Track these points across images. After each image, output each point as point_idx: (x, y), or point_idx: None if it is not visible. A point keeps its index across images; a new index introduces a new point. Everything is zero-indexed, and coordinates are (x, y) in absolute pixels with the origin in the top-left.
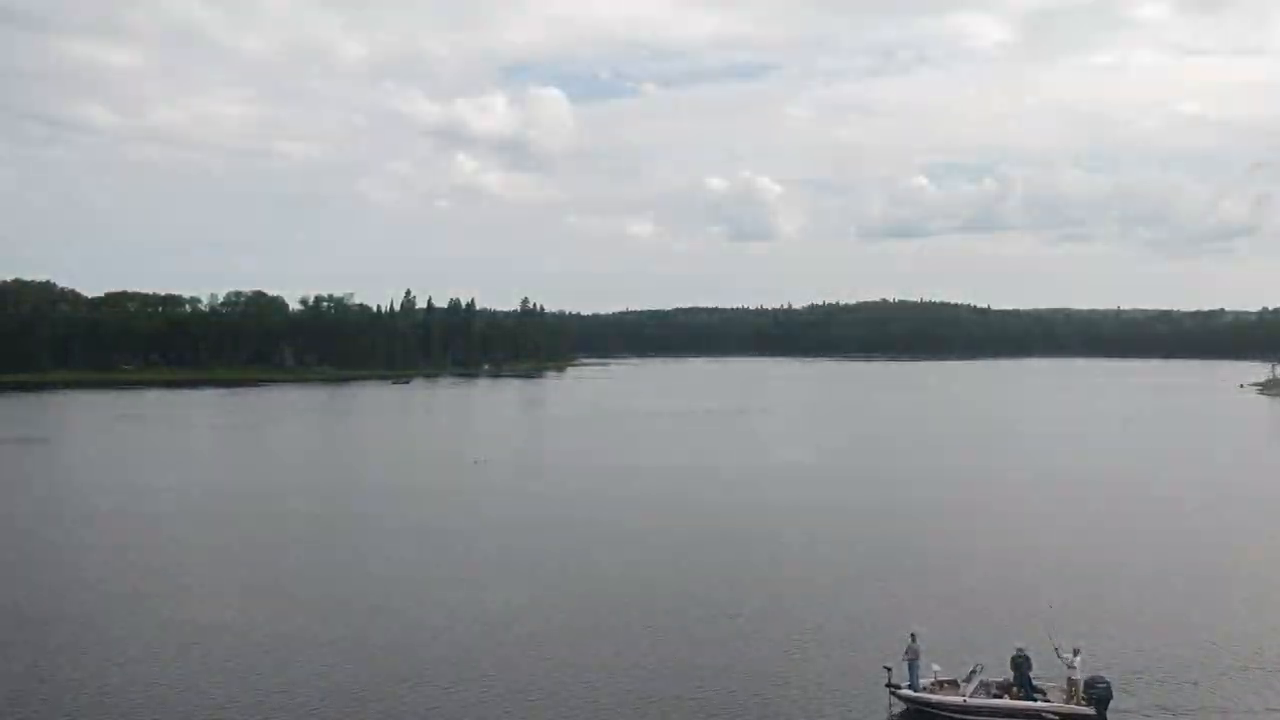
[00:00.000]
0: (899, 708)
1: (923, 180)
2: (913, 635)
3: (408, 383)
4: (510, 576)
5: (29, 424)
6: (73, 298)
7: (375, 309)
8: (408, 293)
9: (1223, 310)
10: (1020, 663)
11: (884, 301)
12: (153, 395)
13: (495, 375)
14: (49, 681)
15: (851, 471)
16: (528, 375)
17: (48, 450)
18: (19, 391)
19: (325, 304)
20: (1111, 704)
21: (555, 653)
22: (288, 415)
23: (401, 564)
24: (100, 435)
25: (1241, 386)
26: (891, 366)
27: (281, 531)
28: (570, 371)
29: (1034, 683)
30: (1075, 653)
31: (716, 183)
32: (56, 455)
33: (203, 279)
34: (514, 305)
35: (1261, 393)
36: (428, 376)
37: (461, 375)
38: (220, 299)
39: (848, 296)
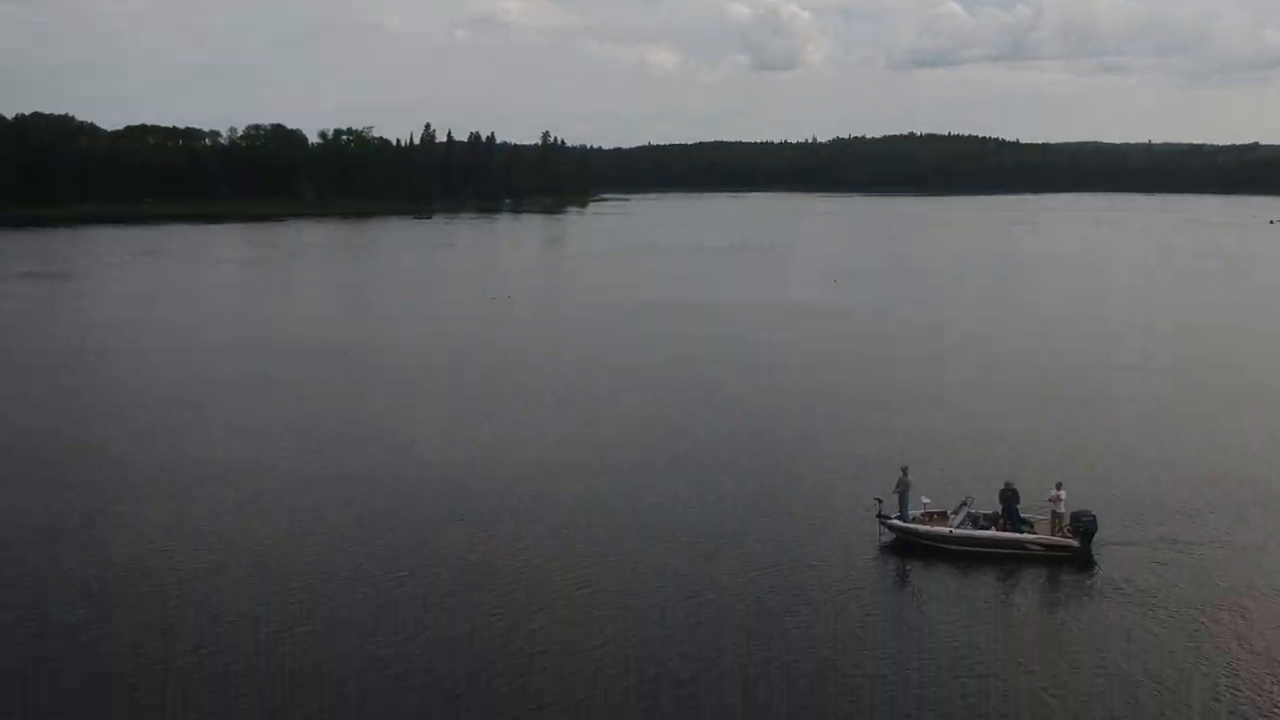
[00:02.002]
0: (888, 537)
1: (955, 6)
2: (904, 469)
3: (428, 218)
4: (531, 411)
5: (50, 259)
6: (91, 131)
7: (395, 143)
8: (427, 126)
9: (1256, 144)
10: (1008, 495)
11: (911, 135)
12: (172, 230)
13: (516, 211)
14: (73, 511)
15: (863, 310)
16: (549, 211)
17: (69, 286)
18: (39, 226)
19: (344, 137)
20: (1097, 537)
21: (573, 486)
22: (308, 251)
23: (425, 398)
24: (121, 271)
25: (1272, 223)
26: (917, 203)
27: (304, 366)
28: (591, 208)
29: (1021, 515)
30: (1058, 486)
31: (740, 8)
32: (78, 290)
33: (221, 115)
34: (535, 139)
35: None
36: (448, 212)
37: (482, 211)
38: (240, 133)
39: (874, 130)
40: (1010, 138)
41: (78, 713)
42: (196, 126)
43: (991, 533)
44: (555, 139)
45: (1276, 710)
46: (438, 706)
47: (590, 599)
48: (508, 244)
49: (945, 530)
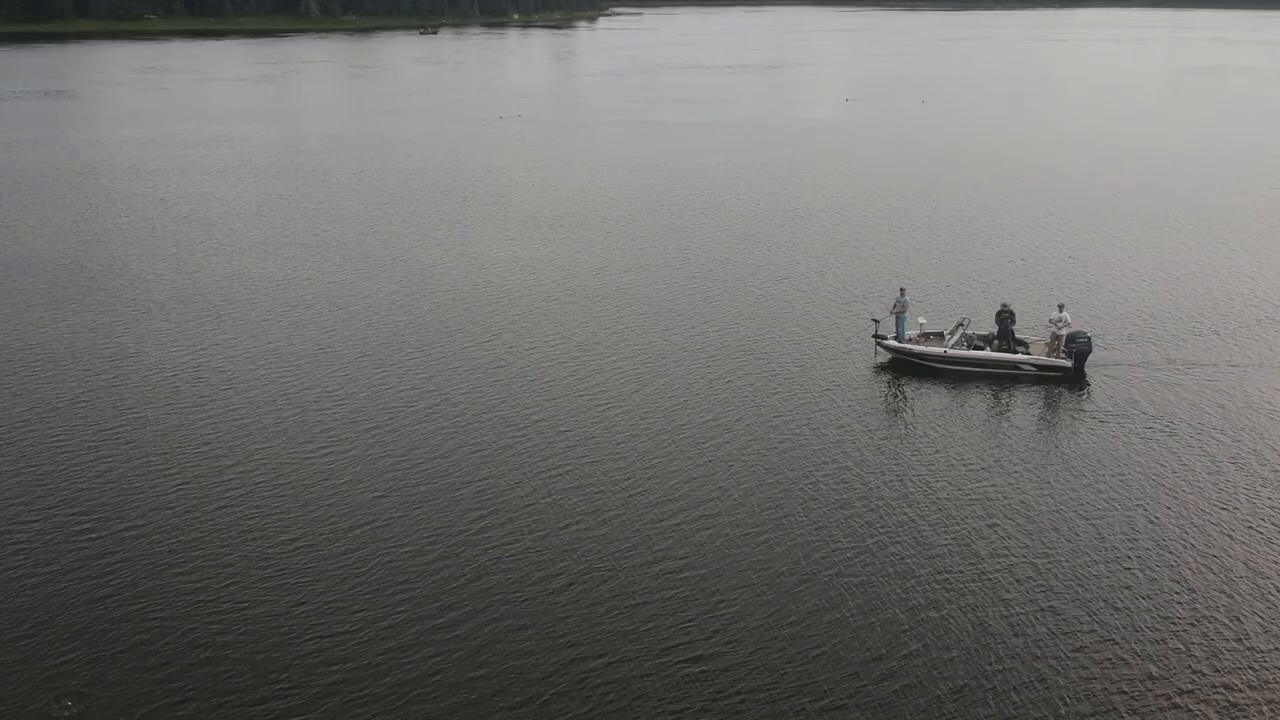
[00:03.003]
0: (883, 357)
1: None
2: (901, 290)
3: (435, 33)
4: (537, 233)
5: (52, 76)
6: None
7: None
8: None
9: None
10: (1004, 317)
11: None
12: (176, 46)
13: (525, 25)
14: (95, 330)
15: (871, 129)
16: (558, 25)
17: (73, 104)
18: (41, 42)
19: None
20: (1092, 358)
21: (574, 307)
22: (314, 68)
23: (438, 218)
24: (124, 88)
25: None
26: (939, 17)
27: (315, 185)
28: (602, 22)
29: (1017, 336)
30: (1060, 308)
31: None
32: (82, 109)
33: None
34: None
35: None
36: (455, 27)
37: (490, 25)
38: None
39: None
40: None
41: (98, 518)
42: None
43: (985, 353)
44: None
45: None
46: (454, 492)
47: (592, 416)
48: (516, 60)
49: (939, 350)
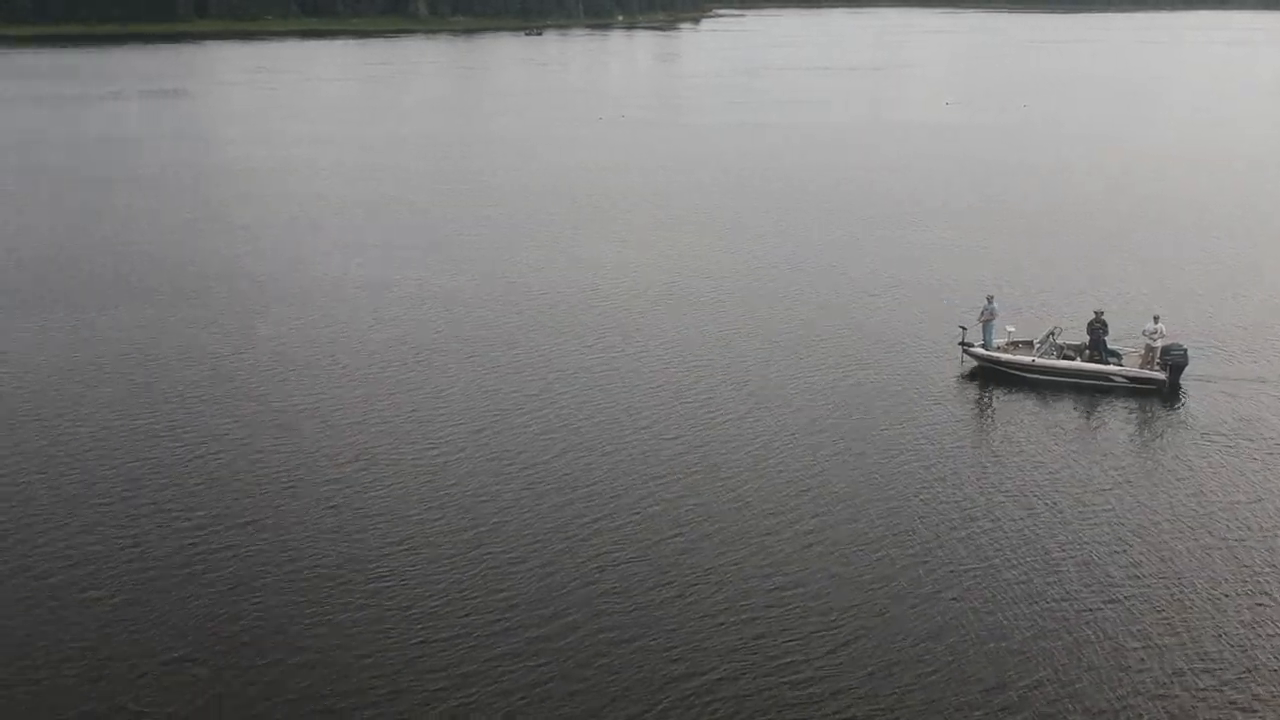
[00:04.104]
0: (970, 364)
1: None
2: (989, 298)
3: (540, 34)
4: (638, 233)
5: (171, 76)
6: None
7: None
8: None
9: None
10: (1096, 326)
11: None
12: (289, 47)
13: (629, 26)
14: (207, 324)
15: (971, 131)
16: (662, 27)
17: (188, 104)
18: (161, 42)
19: None
20: (1187, 371)
21: (668, 308)
22: (420, 69)
23: (541, 219)
24: (237, 88)
25: None
26: (1047, 20)
27: (418, 186)
28: (705, 23)
29: (1110, 347)
30: (1155, 319)
31: None
32: (197, 109)
33: None
34: None
35: None
36: (560, 28)
37: (595, 26)
38: None
39: None
40: None
41: (206, 514)
42: None
43: (1075, 363)
44: None
45: None
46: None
47: (689, 420)
48: (619, 61)
49: (1028, 359)
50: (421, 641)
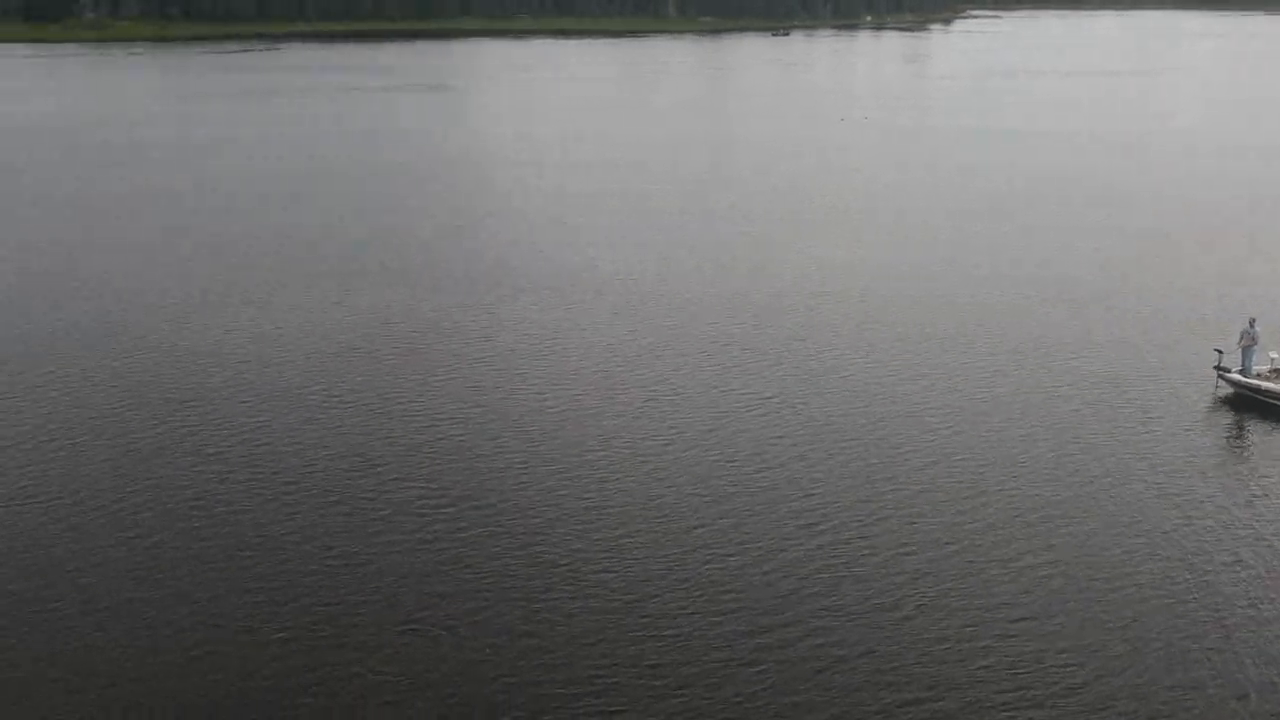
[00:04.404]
0: (1225, 390)
1: None
2: (1251, 321)
3: (786, 34)
4: (877, 236)
5: (435, 71)
6: None
7: None
8: None
9: None
10: None
11: None
12: (543, 45)
13: (878, 27)
14: (460, 310)
15: (1239, 141)
16: (911, 28)
17: (450, 97)
18: (428, 39)
19: None
20: None
21: (907, 320)
22: (667, 68)
23: (779, 220)
24: (495, 84)
25: None
26: None
27: (662, 183)
28: (957, 25)
29: None
30: None
31: None
32: (458, 103)
33: None
34: None
35: None
36: (807, 28)
37: (842, 27)
38: None
39: None
40: None
41: (447, 496)
42: None
43: None
44: None
45: None
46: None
47: (917, 432)
48: (865, 62)
49: None
50: (643, 638)
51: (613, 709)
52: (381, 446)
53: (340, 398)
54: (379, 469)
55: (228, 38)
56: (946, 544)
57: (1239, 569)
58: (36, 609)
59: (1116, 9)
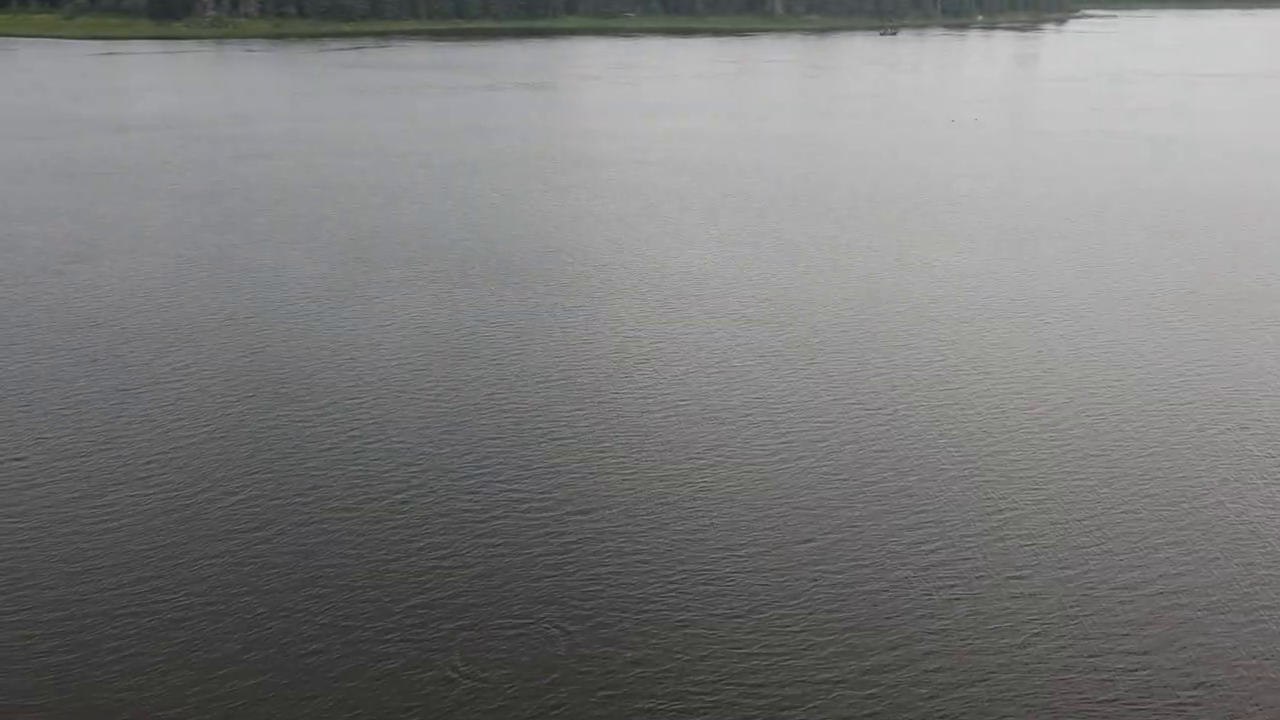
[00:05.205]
0: None
1: None
2: None
3: (895, 34)
4: (986, 244)
5: (541, 69)
6: None
7: None
8: None
9: None
10: None
11: None
12: (648, 43)
13: (988, 26)
14: (547, 309)
15: None
16: (1023, 28)
17: (554, 95)
18: (535, 37)
19: None
20: None
21: (1036, 327)
22: (773, 66)
23: (882, 223)
24: (599, 82)
25: None
26: None
27: (763, 184)
28: (1071, 24)
29: None
30: None
31: None
32: (561, 99)
33: None
34: None
35: None
36: (916, 27)
37: (952, 26)
38: None
39: None
40: None
41: (553, 494)
42: None
43: None
44: None
45: None
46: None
47: (1048, 450)
48: (975, 63)
49: None
50: (750, 652)
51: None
52: (472, 443)
53: (437, 396)
54: (474, 464)
55: (340, 35)
56: (1096, 560)
57: None
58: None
59: (1238, 7)
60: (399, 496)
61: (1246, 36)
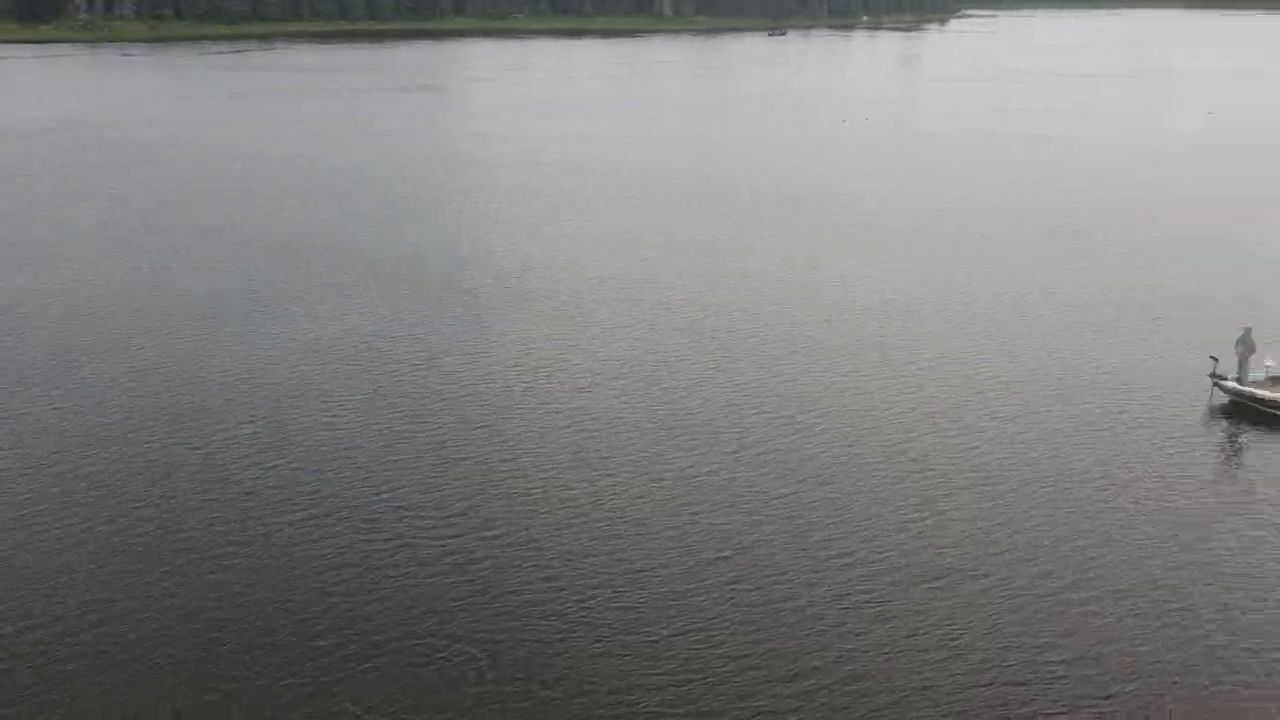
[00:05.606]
0: (1220, 399)
1: None
2: (1247, 330)
3: (783, 34)
4: (892, 246)
5: (428, 71)
6: None
7: None
8: None
9: None
10: None
11: None
12: (538, 44)
13: (874, 27)
14: (455, 320)
15: (1232, 147)
16: (907, 28)
17: (442, 98)
18: (421, 39)
19: None
20: None
21: (904, 327)
22: (662, 67)
23: (777, 227)
24: (488, 84)
25: None
26: None
27: (664, 190)
28: (953, 25)
29: None
30: None
31: None
32: (450, 103)
33: None
34: None
35: None
36: (803, 28)
37: (838, 27)
38: None
39: None
40: None
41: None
42: None
43: None
44: None
45: None
46: None
47: (904, 449)
48: (863, 64)
49: None
50: (659, 676)
51: None
52: (369, 460)
53: (333, 412)
54: (377, 481)
55: (220, 38)
56: (926, 564)
57: (1226, 579)
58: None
59: (1107, 7)
60: (288, 519)
61: (1115, 36)
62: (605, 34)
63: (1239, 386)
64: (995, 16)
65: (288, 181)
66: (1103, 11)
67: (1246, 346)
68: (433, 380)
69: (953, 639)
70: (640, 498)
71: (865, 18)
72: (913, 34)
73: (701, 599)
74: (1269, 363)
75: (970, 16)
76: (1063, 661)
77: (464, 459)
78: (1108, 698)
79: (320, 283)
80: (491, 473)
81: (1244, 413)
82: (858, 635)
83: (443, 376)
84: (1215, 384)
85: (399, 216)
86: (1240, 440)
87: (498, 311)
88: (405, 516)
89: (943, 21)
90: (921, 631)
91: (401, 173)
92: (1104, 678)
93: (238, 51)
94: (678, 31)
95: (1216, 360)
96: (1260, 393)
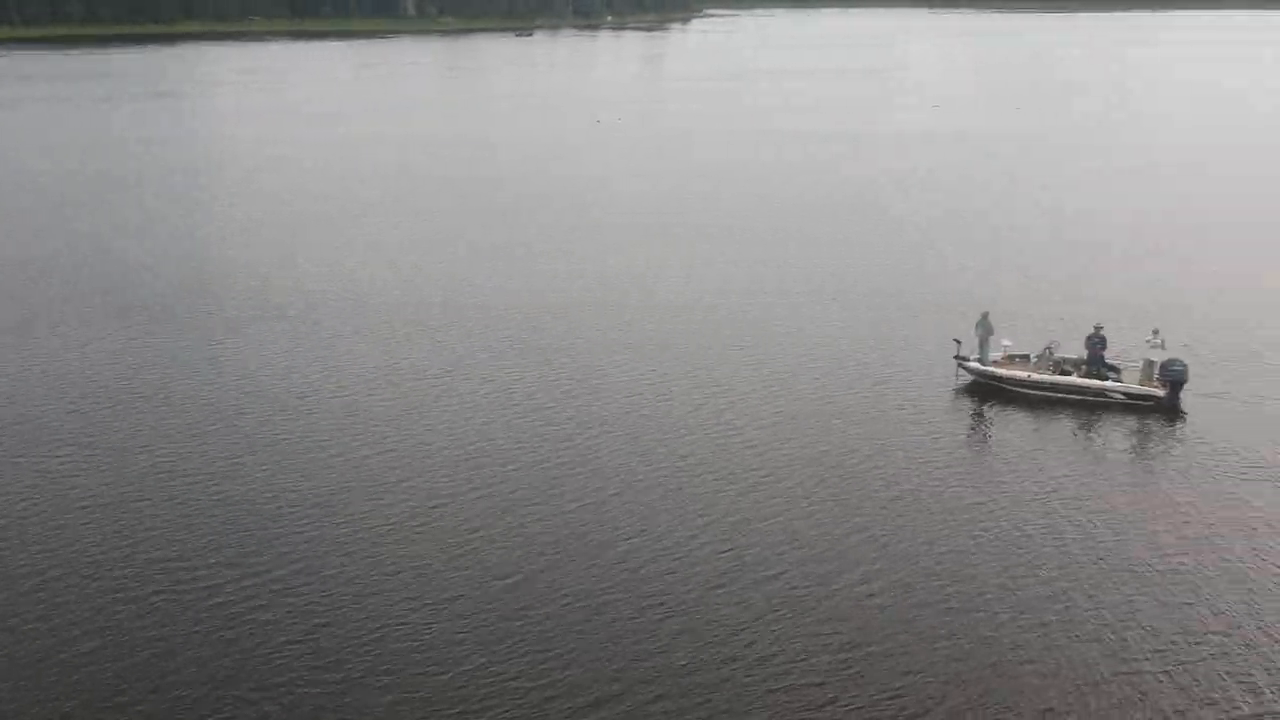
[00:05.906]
0: (965, 379)
1: None
2: (984, 314)
3: (530, 35)
4: (647, 235)
5: (158, 77)
6: None
7: None
8: None
9: None
10: (1095, 341)
11: None
12: (277, 48)
13: (619, 27)
14: (206, 348)
15: (958, 136)
16: (650, 27)
17: (176, 104)
18: (147, 43)
19: None
20: (1187, 387)
21: (685, 323)
22: (409, 69)
23: (539, 226)
24: (226, 88)
25: None
26: (1047, 19)
27: (410, 187)
28: (695, 24)
29: (1108, 362)
30: (1155, 333)
31: None
32: (184, 108)
33: None
34: None
35: None
36: (549, 29)
37: (584, 27)
38: None
39: None
40: None
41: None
42: None
43: (1073, 378)
44: None
45: None
46: None
47: (658, 435)
48: (611, 63)
49: (1024, 374)
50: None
51: None
52: (126, 503)
53: (59, 451)
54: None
55: None
56: (681, 551)
57: (971, 543)
58: None
59: (843, 7)
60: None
61: (845, 35)
62: (348, 35)
63: (980, 366)
64: (736, 16)
65: (8, 200)
66: (834, 10)
67: (985, 329)
68: (195, 410)
69: (751, 643)
70: (413, 521)
71: (610, 18)
72: (656, 34)
73: (483, 621)
74: (1006, 342)
75: (711, 16)
76: (854, 657)
77: (237, 493)
78: (899, 689)
79: (64, 310)
80: (271, 502)
81: (985, 390)
82: (635, 646)
83: (202, 407)
84: (960, 365)
85: (143, 232)
86: (983, 415)
87: (273, 326)
88: (158, 556)
89: (685, 21)
90: (716, 640)
91: (144, 186)
92: (891, 664)
93: None
94: (425, 33)
95: (959, 343)
96: (999, 370)
